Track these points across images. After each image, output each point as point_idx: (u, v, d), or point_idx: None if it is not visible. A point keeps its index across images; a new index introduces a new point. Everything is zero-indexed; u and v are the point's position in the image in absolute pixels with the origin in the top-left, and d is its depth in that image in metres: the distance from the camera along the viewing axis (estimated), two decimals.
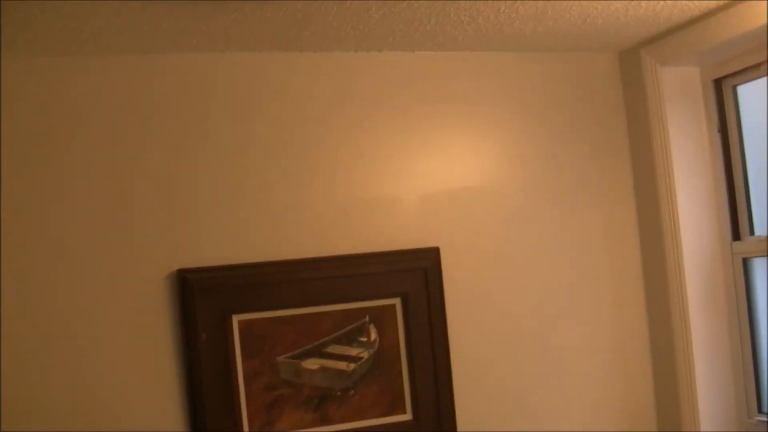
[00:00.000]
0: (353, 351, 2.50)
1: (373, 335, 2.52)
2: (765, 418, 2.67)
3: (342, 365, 2.49)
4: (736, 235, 2.74)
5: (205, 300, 2.36)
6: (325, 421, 2.46)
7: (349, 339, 2.50)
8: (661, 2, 2.32)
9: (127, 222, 2.34)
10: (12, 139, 2.26)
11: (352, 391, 2.49)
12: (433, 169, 2.63)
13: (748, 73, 2.64)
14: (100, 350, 2.29)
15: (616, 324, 2.80)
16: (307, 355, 2.46)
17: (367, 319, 2.52)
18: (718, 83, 2.76)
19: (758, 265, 2.69)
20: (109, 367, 2.30)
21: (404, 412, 2.54)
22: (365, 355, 2.51)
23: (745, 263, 2.72)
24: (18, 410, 2.21)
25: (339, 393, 2.48)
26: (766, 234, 2.65)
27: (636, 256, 2.84)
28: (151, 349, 2.34)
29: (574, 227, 2.77)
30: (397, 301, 2.55)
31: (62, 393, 2.25)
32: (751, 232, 2.72)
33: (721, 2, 2.37)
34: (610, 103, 2.85)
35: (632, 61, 2.80)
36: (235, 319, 2.40)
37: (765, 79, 2.57)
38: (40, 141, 2.29)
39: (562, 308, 2.74)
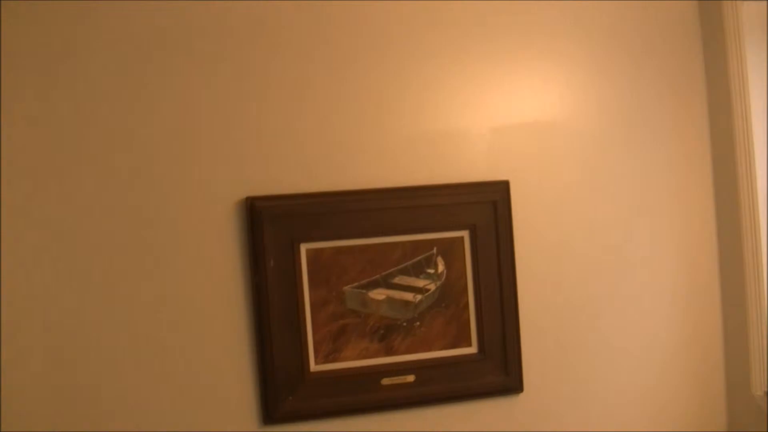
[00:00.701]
0: (420, 282, 2.49)
1: (441, 267, 2.51)
2: None
3: (408, 296, 2.49)
4: None
5: (274, 228, 2.37)
6: (390, 351, 2.47)
7: (417, 270, 2.49)
8: None
9: (197, 150, 2.35)
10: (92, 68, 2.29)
11: (417, 323, 2.49)
12: (504, 102, 2.59)
13: None
14: (170, 273, 2.33)
15: (686, 264, 2.75)
16: (374, 285, 2.46)
17: (434, 250, 2.51)
18: None
19: None
20: (178, 290, 2.33)
21: (469, 345, 2.53)
22: (432, 286, 2.50)
23: None
24: (87, 334, 2.28)
25: (405, 324, 2.48)
26: None
27: (709, 197, 2.77)
28: (220, 273, 2.36)
29: (647, 165, 2.71)
30: (465, 234, 2.53)
31: (130, 308, 2.30)
32: None
33: None
34: (686, 39, 2.76)
35: None
36: (303, 248, 2.41)
37: None
38: (106, 71, 2.31)
39: (632, 244, 2.69)
